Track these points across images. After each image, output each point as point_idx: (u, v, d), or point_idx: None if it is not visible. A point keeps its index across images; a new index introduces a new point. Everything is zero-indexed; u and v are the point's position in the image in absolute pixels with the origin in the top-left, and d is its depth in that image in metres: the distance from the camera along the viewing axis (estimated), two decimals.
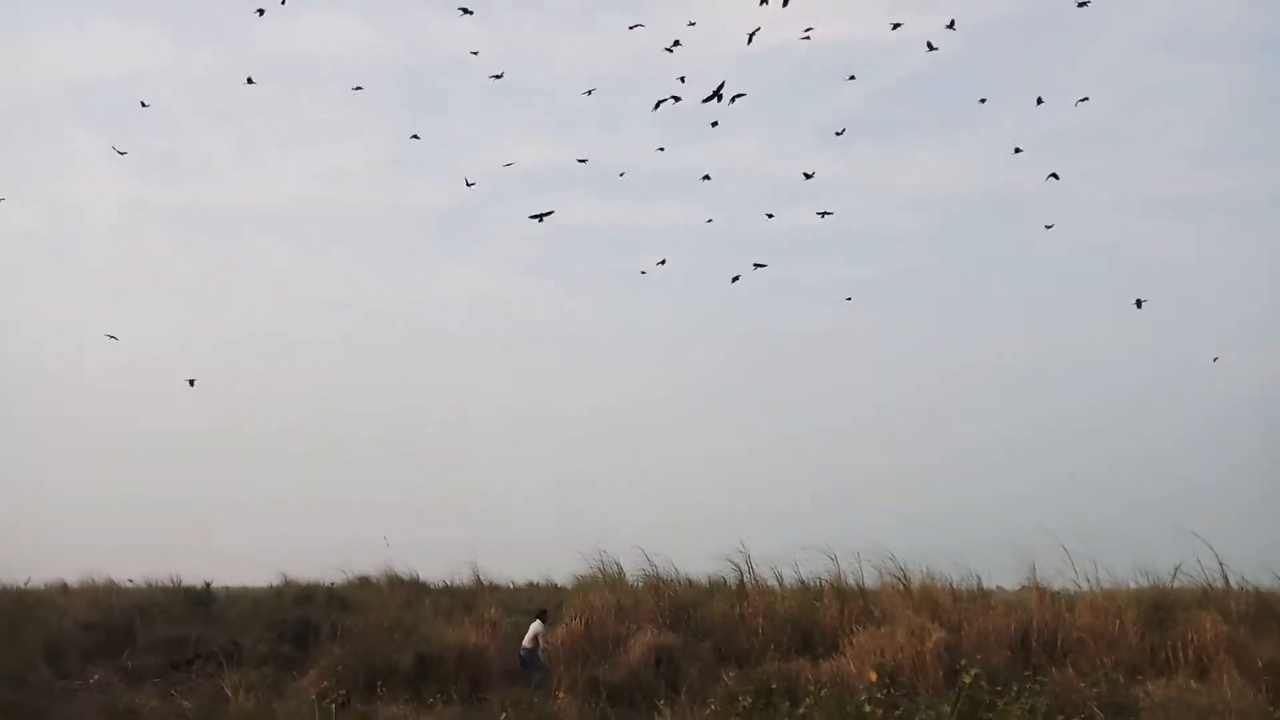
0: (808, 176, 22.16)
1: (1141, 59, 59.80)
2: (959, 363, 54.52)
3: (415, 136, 25.14)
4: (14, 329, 50.69)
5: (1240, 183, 59.45)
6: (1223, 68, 59.06)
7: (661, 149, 24.04)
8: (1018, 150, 21.71)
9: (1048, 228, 23.63)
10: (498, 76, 23.56)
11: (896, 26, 20.46)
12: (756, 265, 22.02)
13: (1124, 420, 45.37)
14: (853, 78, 20.93)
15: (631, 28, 32.75)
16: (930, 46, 20.04)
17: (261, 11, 19.70)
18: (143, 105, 25.24)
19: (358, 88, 26.30)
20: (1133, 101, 58.36)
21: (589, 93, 24.34)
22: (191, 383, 22.75)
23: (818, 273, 62.98)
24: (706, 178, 22.67)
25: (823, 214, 26.36)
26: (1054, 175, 21.53)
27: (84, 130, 64.20)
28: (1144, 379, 48.72)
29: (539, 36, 60.18)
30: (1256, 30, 59.80)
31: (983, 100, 27.33)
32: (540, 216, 19.98)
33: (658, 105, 19.76)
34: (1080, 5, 21.13)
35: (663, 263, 24.44)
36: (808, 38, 20.02)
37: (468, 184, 24.62)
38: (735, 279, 22.16)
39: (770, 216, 24.33)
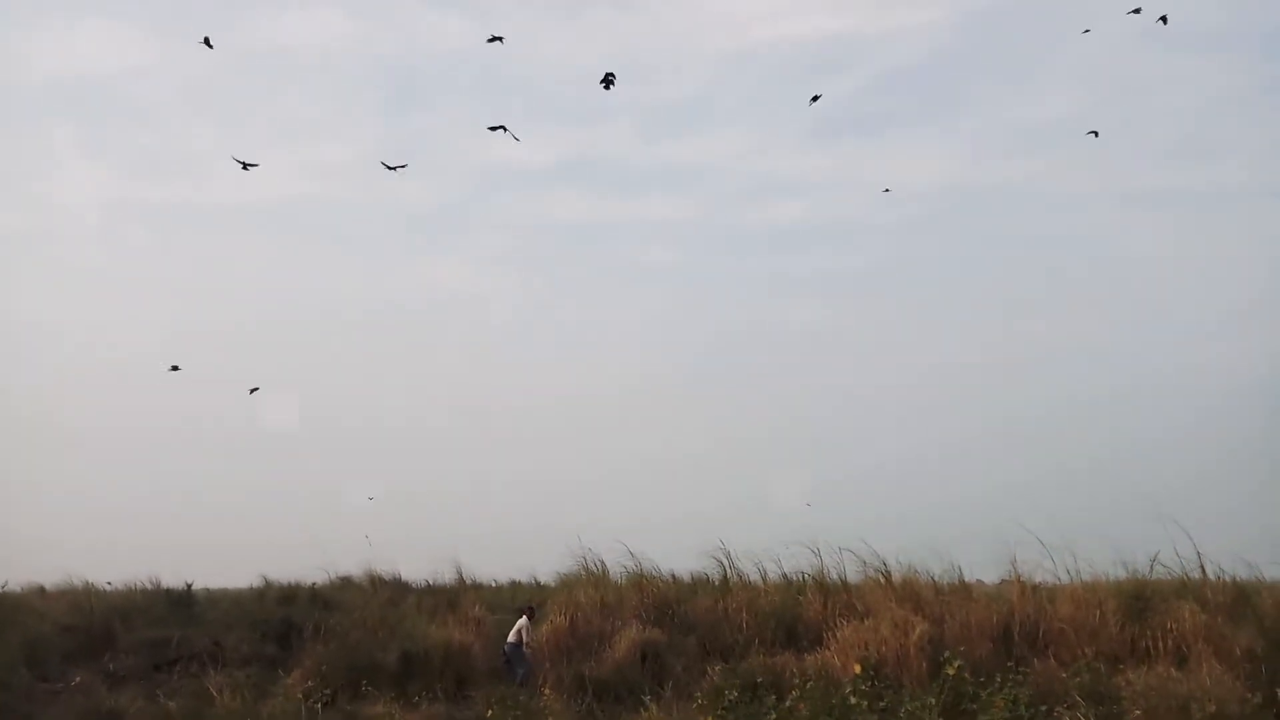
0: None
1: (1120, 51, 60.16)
2: (939, 357, 54.81)
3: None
4: None
5: (1217, 176, 59.95)
6: (1202, 61, 59.48)
7: None
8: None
9: None
10: (497, 38, 20.64)
11: None
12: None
13: (1102, 413, 45.76)
14: (816, 98, 19.17)
15: None
16: None
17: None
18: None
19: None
20: (1111, 94, 58.65)
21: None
22: (175, 368, 22.55)
23: (802, 266, 63.16)
24: None
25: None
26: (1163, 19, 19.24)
27: (68, 128, 63.40)
28: (1121, 372, 49.14)
29: (524, 29, 60.04)
30: (1238, 24, 60.32)
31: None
32: (499, 128, 19.51)
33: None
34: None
35: None
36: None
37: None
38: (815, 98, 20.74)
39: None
